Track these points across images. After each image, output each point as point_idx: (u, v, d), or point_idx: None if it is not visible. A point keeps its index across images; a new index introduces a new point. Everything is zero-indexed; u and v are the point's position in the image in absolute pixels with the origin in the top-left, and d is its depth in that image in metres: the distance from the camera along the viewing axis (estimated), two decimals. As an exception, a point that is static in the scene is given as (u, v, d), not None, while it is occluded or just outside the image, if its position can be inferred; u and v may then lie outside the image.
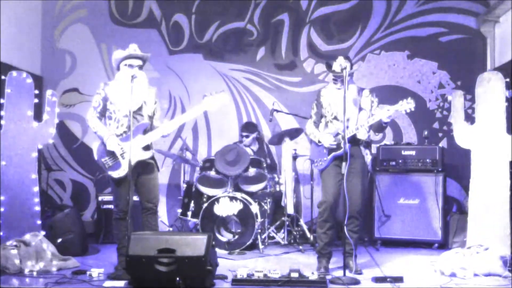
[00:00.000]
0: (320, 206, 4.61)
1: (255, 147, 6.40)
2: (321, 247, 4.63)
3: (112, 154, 4.38)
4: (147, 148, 4.42)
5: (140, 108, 4.44)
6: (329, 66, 4.65)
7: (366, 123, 4.50)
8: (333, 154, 4.59)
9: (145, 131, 4.39)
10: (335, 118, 4.66)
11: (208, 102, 4.37)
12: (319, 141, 4.66)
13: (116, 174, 4.37)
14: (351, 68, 4.67)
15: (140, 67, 4.49)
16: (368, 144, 4.72)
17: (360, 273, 4.43)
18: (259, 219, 5.67)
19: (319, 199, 4.67)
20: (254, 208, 5.65)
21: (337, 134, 4.60)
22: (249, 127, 6.42)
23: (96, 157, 4.44)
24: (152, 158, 4.53)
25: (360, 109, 4.66)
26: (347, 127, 4.46)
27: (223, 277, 4.20)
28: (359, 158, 4.61)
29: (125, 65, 4.43)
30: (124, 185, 4.33)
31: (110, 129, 4.42)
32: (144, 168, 4.48)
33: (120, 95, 4.39)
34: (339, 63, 4.55)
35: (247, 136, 6.29)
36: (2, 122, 5.06)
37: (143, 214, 4.55)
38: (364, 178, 4.71)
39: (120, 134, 4.41)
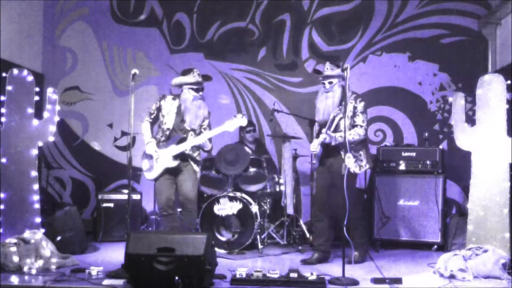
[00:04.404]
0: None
1: (253, 146, 6.40)
2: (313, 239, 5.12)
3: (150, 158, 5.04)
4: (176, 157, 4.99)
5: (188, 125, 5.09)
6: (318, 71, 5.00)
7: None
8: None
9: (178, 142, 5.00)
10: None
11: (228, 124, 4.96)
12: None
13: (148, 175, 5.09)
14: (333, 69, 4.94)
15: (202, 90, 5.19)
16: (350, 149, 4.80)
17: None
18: (259, 219, 5.68)
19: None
20: (254, 208, 5.65)
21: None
22: (250, 124, 6.45)
23: (141, 159, 5.18)
24: (187, 162, 5.09)
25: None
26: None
27: (222, 277, 4.20)
28: (338, 162, 4.77)
29: (191, 88, 5.08)
30: (163, 185, 5.02)
31: (157, 136, 5.15)
32: (180, 171, 5.08)
33: (171, 111, 5.09)
34: (326, 67, 4.92)
35: (254, 131, 6.34)
36: (3, 119, 5.06)
37: (181, 212, 5.25)
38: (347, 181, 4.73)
39: (162, 142, 5.09)
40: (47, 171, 6.80)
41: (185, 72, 5.16)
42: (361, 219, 5.09)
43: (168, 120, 5.10)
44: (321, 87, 5.02)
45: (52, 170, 6.94)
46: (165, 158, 4.98)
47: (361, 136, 4.88)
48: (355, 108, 4.88)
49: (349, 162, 4.79)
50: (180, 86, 5.15)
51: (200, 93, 5.12)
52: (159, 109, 5.15)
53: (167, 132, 5.08)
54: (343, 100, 4.67)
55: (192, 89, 5.08)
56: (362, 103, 4.91)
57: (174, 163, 4.99)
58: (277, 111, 6.36)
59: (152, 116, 5.18)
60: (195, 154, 5.13)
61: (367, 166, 5.01)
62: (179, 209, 5.44)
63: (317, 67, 5.15)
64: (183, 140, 5.02)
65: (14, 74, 5.12)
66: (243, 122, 4.94)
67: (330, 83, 4.93)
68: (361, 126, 4.87)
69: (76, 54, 7.16)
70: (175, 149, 4.98)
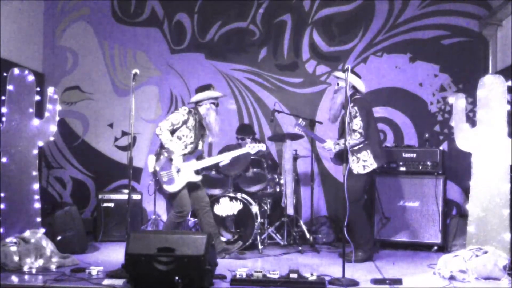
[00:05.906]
0: None
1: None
2: None
3: (168, 170, 5.08)
4: (197, 172, 5.19)
5: (213, 138, 5.36)
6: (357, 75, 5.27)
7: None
8: None
9: (198, 158, 5.18)
10: None
11: (249, 147, 5.29)
12: None
13: (170, 188, 5.07)
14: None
15: None
16: (351, 152, 5.04)
17: None
18: (259, 220, 5.68)
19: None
20: (254, 208, 5.65)
21: None
22: (244, 130, 6.39)
23: (157, 168, 5.11)
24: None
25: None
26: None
27: (222, 277, 4.21)
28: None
29: (212, 103, 5.24)
30: (186, 194, 5.11)
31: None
32: (196, 184, 5.27)
33: (195, 126, 5.18)
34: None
35: (242, 139, 6.30)
36: (3, 119, 5.06)
37: (201, 213, 5.30)
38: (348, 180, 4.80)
39: (184, 155, 5.15)
40: (48, 170, 6.80)
41: (205, 88, 5.31)
42: (358, 219, 5.07)
43: (193, 135, 5.20)
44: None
45: (53, 169, 6.94)
46: (187, 171, 5.12)
47: (356, 140, 5.00)
48: (350, 113, 5.00)
49: (352, 163, 5.00)
50: (199, 102, 5.26)
51: (218, 107, 5.32)
52: (185, 122, 5.16)
53: (190, 147, 5.20)
54: (345, 104, 4.72)
55: (213, 103, 5.25)
56: (355, 108, 5.01)
57: (197, 178, 5.19)
58: (277, 112, 6.35)
59: (175, 127, 5.14)
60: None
61: (374, 165, 5.05)
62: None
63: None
64: (201, 156, 5.24)
65: (15, 73, 5.12)
66: (263, 147, 5.34)
67: (337, 84, 5.29)
68: (354, 131, 5.01)
69: (77, 54, 7.17)
70: (196, 164, 5.17)
